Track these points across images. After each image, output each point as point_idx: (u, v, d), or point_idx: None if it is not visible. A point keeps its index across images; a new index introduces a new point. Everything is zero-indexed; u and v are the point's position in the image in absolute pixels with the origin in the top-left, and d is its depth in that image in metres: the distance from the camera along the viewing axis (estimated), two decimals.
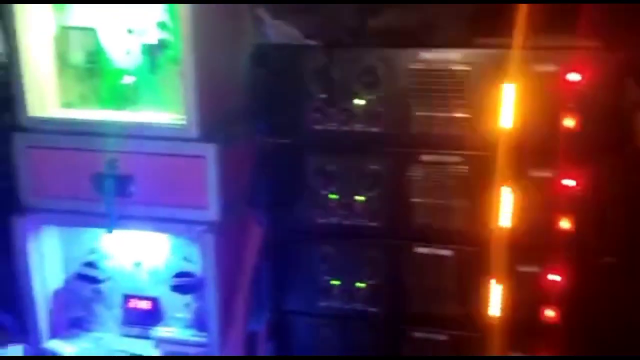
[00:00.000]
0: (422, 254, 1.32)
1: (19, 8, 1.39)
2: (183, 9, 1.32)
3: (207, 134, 1.41)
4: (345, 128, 1.27)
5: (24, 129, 1.47)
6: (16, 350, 1.60)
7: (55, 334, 1.61)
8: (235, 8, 1.49)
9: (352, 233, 1.33)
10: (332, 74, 1.23)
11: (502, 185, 1.24)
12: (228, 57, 1.54)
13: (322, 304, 1.39)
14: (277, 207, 1.35)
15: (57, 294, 1.61)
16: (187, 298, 1.59)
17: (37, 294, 1.55)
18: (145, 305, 1.60)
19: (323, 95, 1.26)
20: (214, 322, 1.48)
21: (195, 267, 1.55)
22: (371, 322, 1.38)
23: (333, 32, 1.24)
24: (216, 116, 1.48)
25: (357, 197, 1.31)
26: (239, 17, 1.49)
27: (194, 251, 1.54)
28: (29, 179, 1.50)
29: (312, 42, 1.25)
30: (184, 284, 1.55)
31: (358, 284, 1.36)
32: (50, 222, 1.54)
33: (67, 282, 1.63)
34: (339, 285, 1.37)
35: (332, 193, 1.32)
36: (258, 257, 1.51)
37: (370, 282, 1.36)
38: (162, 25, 1.44)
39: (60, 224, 1.55)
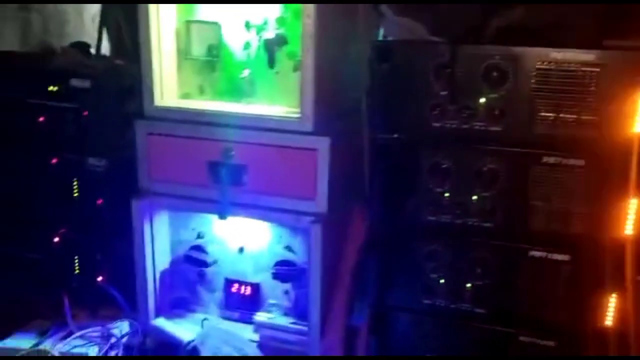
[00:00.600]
0: (536, 258, 1.29)
1: (147, 5, 1.46)
2: (304, 7, 1.35)
3: (320, 127, 1.44)
4: (465, 126, 1.26)
5: (145, 117, 1.55)
6: (123, 325, 1.69)
7: (159, 312, 1.70)
8: (353, 4, 1.51)
9: (463, 232, 1.32)
10: (455, 71, 1.23)
11: (627, 192, 1.20)
12: (343, 52, 1.57)
13: (427, 301, 1.39)
14: (387, 202, 1.36)
15: (164, 274, 1.70)
16: (287, 286, 1.63)
17: (148, 274, 1.64)
18: (246, 290, 1.66)
19: (444, 92, 1.25)
20: (315, 312, 1.51)
21: (296, 256, 1.59)
22: (477, 324, 1.37)
23: (458, 29, 1.23)
24: (329, 110, 1.51)
25: (472, 197, 1.29)
26: (356, 13, 1.51)
27: (296, 241, 1.58)
28: (148, 164, 1.58)
29: (436, 39, 1.25)
30: (286, 272, 1.59)
31: (466, 284, 1.35)
32: (166, 206, 1.62)
33: (174, 263, 1.71)
34: (445, 284, 1.37)
35: (446, 191, 1.31)
36: (362, 251, 1.53)
37: (478, 283, 1.34)
38: (280, 21, 1.48)
39: (174, 208, 1.63)
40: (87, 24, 2.60)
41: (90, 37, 2.55)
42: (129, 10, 2.15)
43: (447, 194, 1.31)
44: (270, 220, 1.54)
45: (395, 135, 1.28)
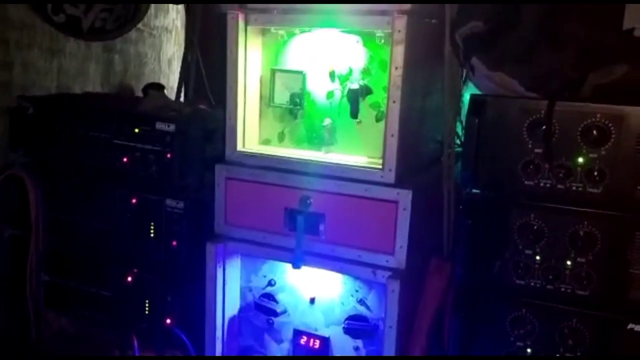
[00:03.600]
0: (635, 332, 1.19)
1: (236, 51, 1.49)
2: (393, 59, 1.35)
3: (402, 179, 1.41)
4: (560, 186, 1.20)
5: (225, 162, 1.57)
6: None
7: None
8: (437, 56, 1.50)
9: (555, 299, 1.24)
10: (551, 128, 1.17)
11: None
12: (425, 104, 1.55)
13: None
14: (472, 261, 1.30)
15: (232, 321, 1.67)
16: (358, 342, 1.57)
17: (217, 319, 1.62)
18: (315, 344, 1.61)
19: (538, 150, 1.20)
20: None
21: (369, 311, 1.53)
22: None
23: (554, 86, 1.19)
24: (411, 162, 1.48)
25: (566, 261, 1.21)
26: (441, 65, 1.49)
27: (370, 295, 1.53)
28: (225, 208, 1.58)
29: (531, 95, 1.20)
30: (358, 328, 1.53)
31: (555, 356, 1.25)
32: (240, 251, 1.61)
33: (242, 310, 1.69)
34: (533, 354, 1.27)
35: (537, 254, 1.24)
36: (440, 311, 1.46)
37: (569, 355, 1.24)
38: (365, 73, 1.48)
39: (249, 254, 1.61)
40: (163, 67, 2.72)
41: (166, 80, 2.66)
42: (210, 57, 2.24)
43: (537, 257, 1.24)
44: (345, 272, 1.50)
45: (486, 193, 1.22)
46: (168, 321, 1.68)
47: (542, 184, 1.21)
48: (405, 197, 1.39)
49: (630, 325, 1.20)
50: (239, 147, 1.55)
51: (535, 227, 1.23)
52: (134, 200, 1.69)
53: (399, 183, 1.40)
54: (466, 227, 1.26)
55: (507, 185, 1.24)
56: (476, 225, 1.27)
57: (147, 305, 1.71)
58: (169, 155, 1.61)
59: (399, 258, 1.42)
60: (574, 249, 1.20)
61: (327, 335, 1.59)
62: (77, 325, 1.88)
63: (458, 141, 1.65)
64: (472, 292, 1.31)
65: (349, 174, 1.44)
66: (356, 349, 1.57)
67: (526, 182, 1.23)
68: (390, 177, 1.40)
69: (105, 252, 1.75)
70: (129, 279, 1.72)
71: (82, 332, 1.87)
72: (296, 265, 1.47)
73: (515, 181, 1.23)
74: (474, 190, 1.26)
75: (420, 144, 1.58)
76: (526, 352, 1.28)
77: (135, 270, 1.72)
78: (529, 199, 1.23)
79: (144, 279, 1.71)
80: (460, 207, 1.31)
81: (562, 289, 1.23)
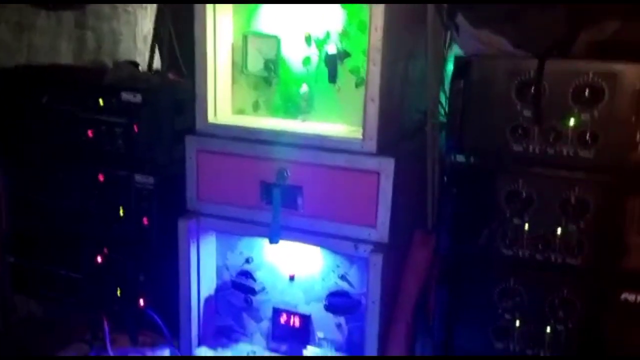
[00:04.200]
0: (629, 303, 1.14)
1: (204, 15, 1.39)
2: (372, 20, 1.26)
3: (384, 148, 1.33)
4: (551, 151, 1.14)
5: (196, 133, 1.47)
6: (163, 353, 1.60)
7: (203, 341, 1.60)
8: (420, 18, 1.41)
9: (544, 269, 1.18)
10: (541, 89, 1.10)
11: None
12: (407, 68, 1.47)
13: (499, 345, 1.25)
14: (458, 231, 1.23)
15: (208, 301, 1.60)
16: (340, 319, 1.51)
17: (192, 299, 1.54)
18: (295, 322, 1.54)
19: (527, 113, 1.13)
20: (371, 349, 1.38)
21: (351, 287, 1.47)
22: None
23: (543, 43, 1.11)
24: (393, 130, 1.40)
25: (556, 230, 1.15)
26: (424, 25, 1.41)
27: (352, 270, 1.47)
28: (197, 183, 1.49)
29: (520, 53, 1.13)
30: (340, 304, 1.47)
31: (546, 328, 1.20)
32: (214, 228, 1.53)
33: (219, 289, 1.62)
34: (522, 326, 1.22)
35: (526, 222, 1.18)
36: (426, 284, 1.40)
37: (560, 327, 1.20)
38: (343, 36, 1.39)
39: (223, 230, 1.53)
40: (139, 45, 2.60)
41: (141, 57, 2.54)
42: (182, 26, 2.12)
43: (526, 226, 1.18)
44: (325, 247, 1.43)
45: (472, 159, 1.15)
46: (141, 302, 1.61)
47: (531, 149, 1.15)
48: (387, 166, 1.32)
49: (623, 295, 1.15)
50: (211, 118, 1.46)
51: (524, 194, 1.16)
52: (101, 177, 1.60)
53: (381, 152, 1.32)
54: (451, 196, 1.20)
55: (495, 150, 1.17)
56: (461, 193, 1.20)
57: (118, 286, 1.63)
58: (136, 128, 1.52)
59: (382, 231, 1.35)
60: (565, 216, 1.15)
61: (307, 313, 1.53)
62: (45, 309, 1.80)
63: (442, 111, 1.58)
64: (458, 264, 1.25)
65: (327, 144, 1.36)
66: (338, 326, 1.51)
67: (514, 147, 1.16)
68: (372, 146, 1.32)
69: (72, 232, 1.65)
70: (99, 259, 1.63)
71: (51, 316, 1.79)
72: (273, 241, 1.40)
73: (503, 146, 1.16)
74: (459, 157, 1.18)
75: (403, 112, 1.50)
76: (515, 324, 1.22)
77: (104, 251, 1.63)
78: (517, 164, 1.16)
79: (114, 259, 1.63)
80: (445, 177, 1.24)
81: (553, 259, 1.17)
